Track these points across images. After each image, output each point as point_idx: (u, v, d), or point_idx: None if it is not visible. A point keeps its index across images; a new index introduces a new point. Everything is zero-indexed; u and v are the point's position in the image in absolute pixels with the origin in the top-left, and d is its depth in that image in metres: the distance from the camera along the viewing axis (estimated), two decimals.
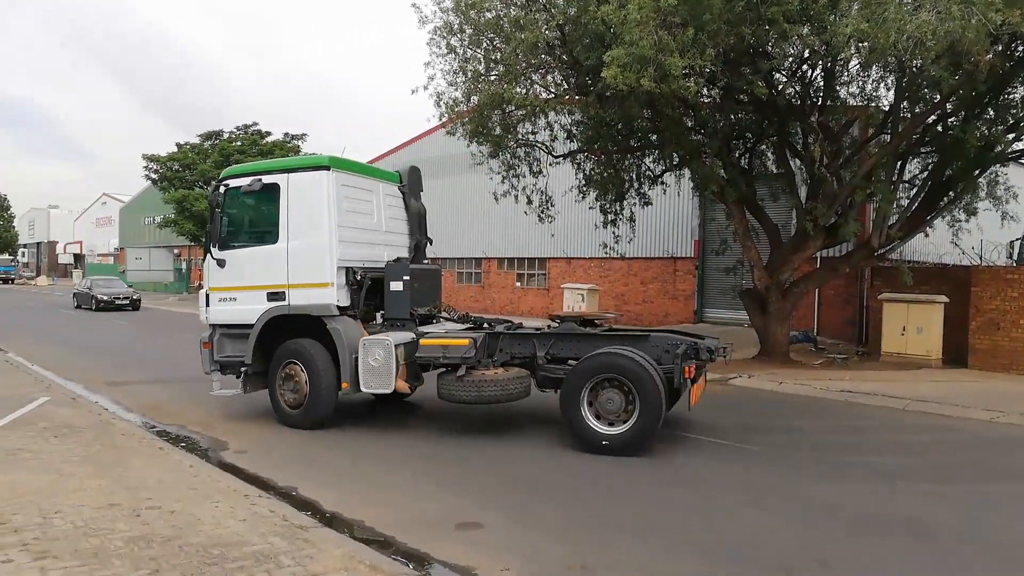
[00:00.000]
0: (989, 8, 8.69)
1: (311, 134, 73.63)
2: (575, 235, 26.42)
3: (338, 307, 9.14)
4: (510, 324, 9.84)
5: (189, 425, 9.59)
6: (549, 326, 9.79)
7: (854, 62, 12.74)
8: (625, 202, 17.64)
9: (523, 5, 13.55)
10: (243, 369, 9.51)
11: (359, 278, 9.38)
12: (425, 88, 14.59)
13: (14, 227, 79.30)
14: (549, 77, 14.86)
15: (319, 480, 7.12)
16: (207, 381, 10.19)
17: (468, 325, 10.04)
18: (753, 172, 16.03)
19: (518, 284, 30.55)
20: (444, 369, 9.06)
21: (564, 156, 16.90)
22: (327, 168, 9.22)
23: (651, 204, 18.49)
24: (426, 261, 11.45)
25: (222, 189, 9.81)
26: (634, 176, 17.38)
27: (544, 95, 14.60)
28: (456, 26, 14.21)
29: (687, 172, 16.67)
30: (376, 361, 8.73)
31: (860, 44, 10.05)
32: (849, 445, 8.89)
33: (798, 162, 15.17)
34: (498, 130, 15.38)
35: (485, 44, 14.18)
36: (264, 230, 9.68)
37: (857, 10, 9.67)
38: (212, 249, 9.76)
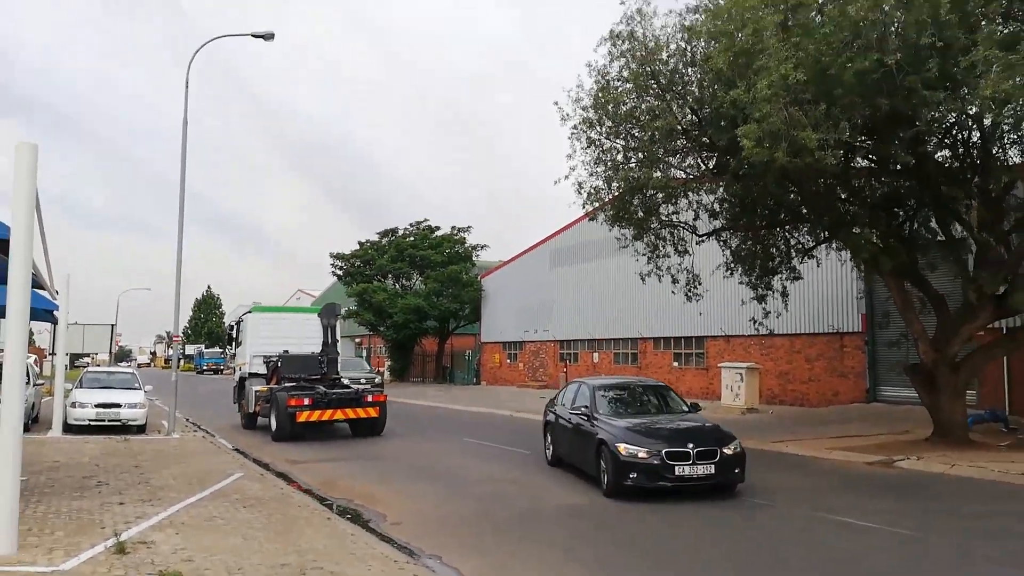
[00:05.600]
0: None
1: (475, 226, 77.90)
2: (733, 313, 25.92)
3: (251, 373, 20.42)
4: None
5: (355, 499, 10.59)
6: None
7: (1008, 122, 12.15)
8: (776, 277, 17.36)
9: (657, 95, 14.21)
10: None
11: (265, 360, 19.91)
12: (566, 178, 15.50)
13: (224, 323, 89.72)
14: (688, 160, 15.29)
15: (462, 552, 7.69)
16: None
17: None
18: (914, 240, 15.30)
19: (675, 363, 30.22)
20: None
21: (708, 235, 17.05)
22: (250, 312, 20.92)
23: (801, 278, 18.04)
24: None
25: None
26: (783, 250, 17.13)
27: (680, 179, 15.02)
28: (595, 120, 15.12)
29: (841, 243, 16.21)
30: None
31: (1006, 105, 9.69)
32: (1014, 530, 8.19)
33: (960, 228, 14.35)
34: (640, 213, 15.92)
35: (623, 135, 14.94)
36: None
37: (997, 72, 9.40)
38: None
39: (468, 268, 44.81)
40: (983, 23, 10.18)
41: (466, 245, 46.09)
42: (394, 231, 47.48)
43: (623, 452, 9.74)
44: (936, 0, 9.86)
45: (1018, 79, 9.02)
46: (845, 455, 13.74)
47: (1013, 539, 7.91)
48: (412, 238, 46.26)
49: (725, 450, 9.89)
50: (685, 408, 11.74)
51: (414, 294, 43.92)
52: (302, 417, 16.88)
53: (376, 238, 47.80)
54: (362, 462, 14.14)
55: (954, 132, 13.16)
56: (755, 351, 26.21)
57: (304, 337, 19.91)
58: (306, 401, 16.97)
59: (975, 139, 13.31)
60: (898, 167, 12.91)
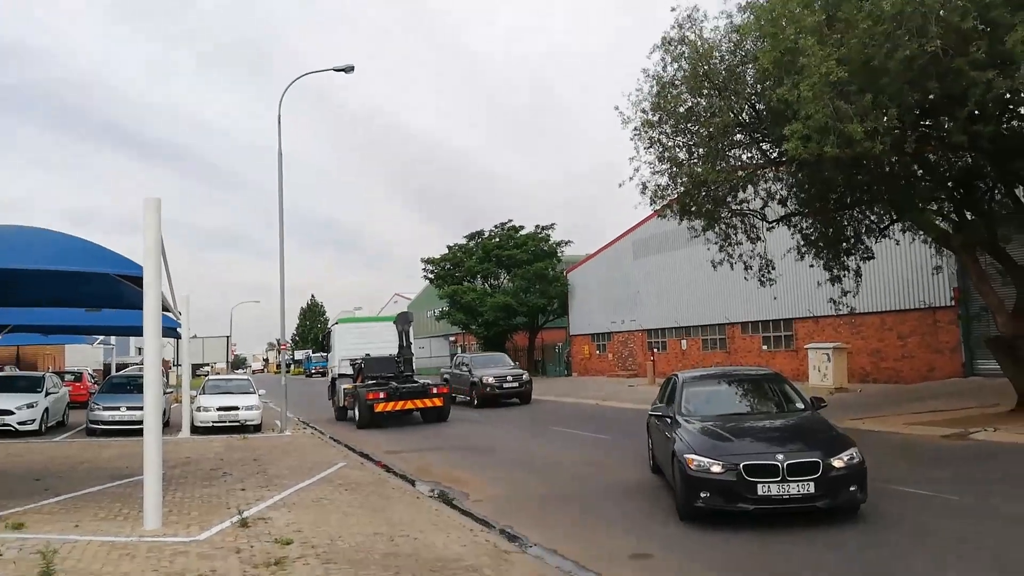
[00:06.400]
0: None
1: (558, 223, 78.57)
2: (821, 293, 25.73)
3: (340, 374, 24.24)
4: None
5: (443, 482, 11.73)
6: None
7: None
8: (851, 257, 17.40)
9: (712, 94, 14.66)
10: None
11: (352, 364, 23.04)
12: (631, 179, 16.13)
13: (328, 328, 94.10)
14: (746, 155, 15.64)
15: (532, 524, 8.63)
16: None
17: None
18: (991, 214, 15.10)
19: (764, 347, 30.13)
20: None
21: (778, 221, 17.29)
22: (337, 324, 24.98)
23: (873, 258, 18.00)
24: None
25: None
26: (856, 230, 17.15)
27: (741, 172, 15.38)
28: (655, 121, 15.68)
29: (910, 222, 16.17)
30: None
31: None
32: None
33: None
34: (708, 205, 16.35)
35: (683, 132, 15.45)
36: None
37: None
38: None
39: (554, 264, 45.70)
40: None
41: (550, 242, 46.96)
42: (480, 233, 48.89)
43: (692, 466, 7.83)
44: None
45: None
46: (923, 429, 13.84)
47: None
48: (497, 239, 47.53)
49: (834, 462, 7.55)
50: (800, 405, 9.29)
51: (502, 292, 45.19)
52: (379, 408, 20.18)
53: (464, 241, 49.37)
54: (453, 451, 15.34)
55: (1011, 108, 13.01)
56: (844, 331, 25.92)
57: (383, 342, 23.40)
58: (381, 395, 20.29)
59: None
60: (962, 143, 12.87)
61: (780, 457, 7.54)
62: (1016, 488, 9.03)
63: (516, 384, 25.70)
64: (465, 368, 27.38)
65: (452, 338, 60.12)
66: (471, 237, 49.10)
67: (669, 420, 9.26)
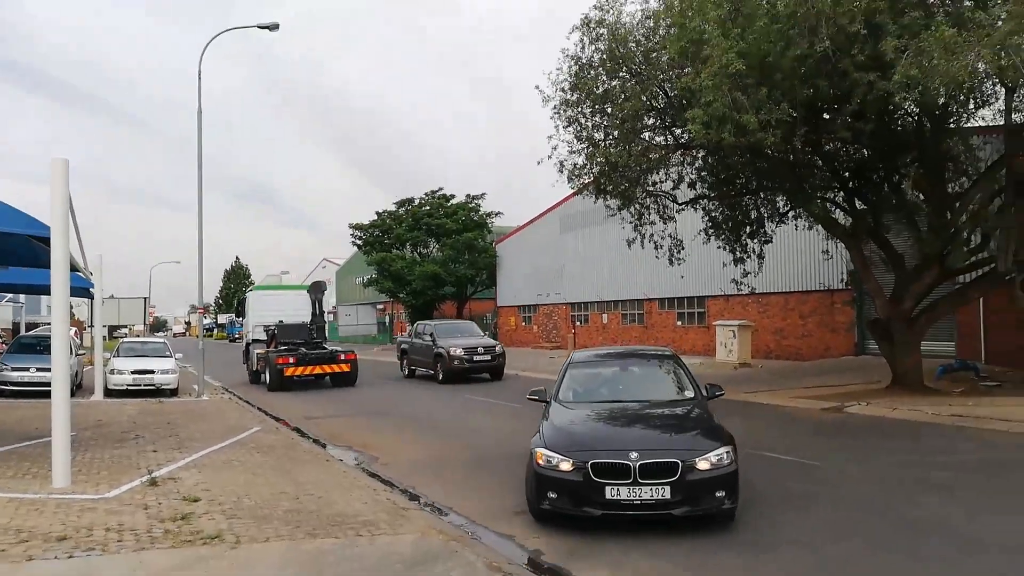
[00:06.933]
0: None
1: (489, 193, 78.55)
2: (728, 273, 27.06)
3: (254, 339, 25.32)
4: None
5: (355, 446, 12.20)
6: None
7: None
8: (753, 240, 18.49)
9: (627, 79, 15.30)
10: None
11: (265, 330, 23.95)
12: (549, 158, 16.69)
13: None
14: (660, 138, 16.40)
15: (433, 485, 9.20)
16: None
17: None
18: (875, 205, 16.31)
19: (679, 323, 31.48)
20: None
21: (687, 203, 18.19)
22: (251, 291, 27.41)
23: (771, 242, 19.14)
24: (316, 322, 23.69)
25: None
26: (759, 215, 18.21)
27: (652, 155, 16.13)
28: (575, 100, 16.24)
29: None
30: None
31: (915, 88, 10.70)
32: (909, 460, 9.60)
33: (915, 194, 15.37)
34: (624, 185, 17.07)
35: (599, 113, 16.06)
36: None
37: (907, 58, 10.42)
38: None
39: (483, 235, 46.16)
40: (906, 11, 11.13)
41: (480, 212, 47.34)
42: (410, 200, 48.83)
43: (540, 462, 6.95)
44: None
45: (926, 63, 10.02)
46: (806, 403, 15.05)
47: (896, 465, 9.24)
48: (428, 207, 47.61)
49: (699, 463, 6.62)
50: (690, 393, 8.25)
51: (431, 261, 45.45)
52: (288, 372, 21.47)
53: (393, 208, 49.22)
54: (369, 417, 15.79)
55: (891, 108, 14.10)
56: (752, 309, 27.37)
57: (296, 309, 24.64)
58: (291, 359, 21.61)
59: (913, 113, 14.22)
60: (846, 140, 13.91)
61: (633, 456, 6.57)
62: (868, 454, 10.11)
63: (488, 357, 22.93)
64: (428, 338, 24.02)
65: (381, 306, 60.06)
66: (401, 204, 49.00)
67: (545, 405, 8.38)
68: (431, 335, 23.99)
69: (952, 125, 14.29)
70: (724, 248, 18.96)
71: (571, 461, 6.76)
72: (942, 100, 11.98)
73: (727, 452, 6.78)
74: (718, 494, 6.62)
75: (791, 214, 17.85)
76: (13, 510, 7.21)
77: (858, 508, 7.40)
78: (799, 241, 24.61)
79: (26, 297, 47.07)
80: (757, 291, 22.26)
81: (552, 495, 6.85)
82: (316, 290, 23.87)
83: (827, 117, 13.14)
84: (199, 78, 20.34)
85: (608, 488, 6.55)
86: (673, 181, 17.88)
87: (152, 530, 6.66)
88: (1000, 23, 9.46)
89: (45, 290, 16.55)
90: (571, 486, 6.72)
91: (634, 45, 15.19)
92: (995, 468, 9.17)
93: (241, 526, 6.82)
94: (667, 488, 6.50)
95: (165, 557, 5.96)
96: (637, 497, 6.52)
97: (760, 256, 18.95)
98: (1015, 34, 9.24)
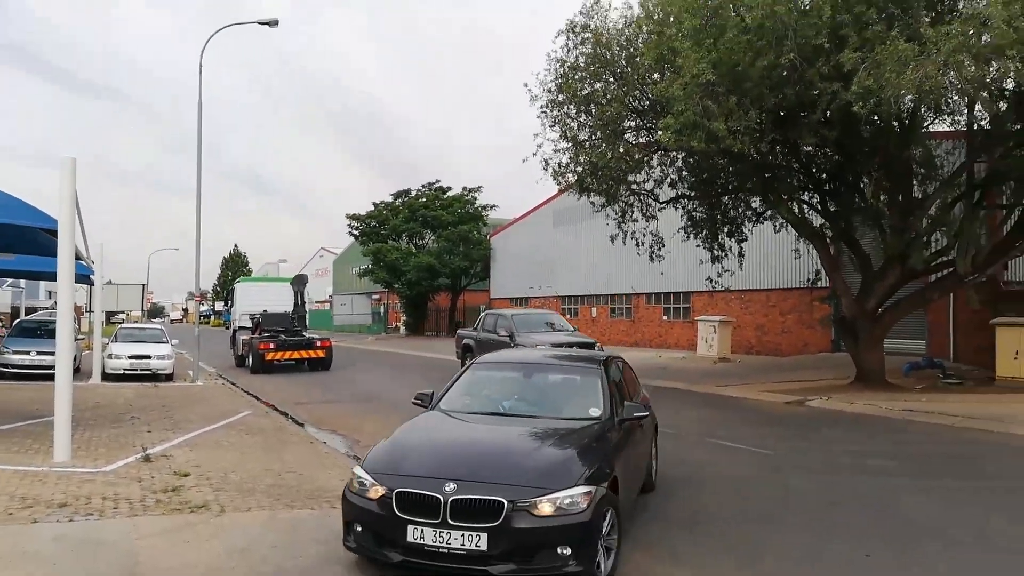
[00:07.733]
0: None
1: (486, 186, 78.72)
2: (711, 270, 27.74)
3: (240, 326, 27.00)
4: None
5: (340, 430, 12.88)
6: None
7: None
8: (731, 239, 19.15)
9: (609, 80, 15.92)
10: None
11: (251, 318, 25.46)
12: (534, 155, 17.32)
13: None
14: (642, 139, 17.03)
15: None
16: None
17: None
18: (846, 208, 16.95)
19: (665, 318, 32.17)
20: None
21: (668, 202, 18.84)
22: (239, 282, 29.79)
23: (746, 240, 19.78)
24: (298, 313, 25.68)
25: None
26: (738, 215, 18.87)
27: (637, 155, 16.76)
28: (560, 100, 16.85)
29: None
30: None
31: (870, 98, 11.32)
32: (852, 449, 10.33)
33: (883, 197, 16.02)
34: (607, 183, 17.71)
35: (583, 114, 16.69)
36: None
37: (864, 70, 11.04)
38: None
39: (479, 227, 46.80)
40: (869, 24, 11.74)
41: (476, 204, 47.95)
42: (407, 192, 49.46)
43: (354, 486, 5.50)
44: (822, 7, 11.48)
45: (883, 75, 10.65)
46: (772, 396, 15.75)
47: (839, 453, 9.97)
48: (424, 199, 48.22)
49: (538, 505, 4.92)
50: (596, 412, 6.46)
51: (426, 253, 46.10)
52: (269, 356, 23.38)
53: (390, 199, 49.83)
54: (356, 403, 16.45)
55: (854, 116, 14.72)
56: (736, 305, 28.06)
57: (280, 300, 26.30)
58: (271, 345, 23.60)
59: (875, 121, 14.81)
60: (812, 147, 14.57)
61: (449, 488, 5.00)
62: (818, 444, 10.81)
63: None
64: (503, 333, 19.44)
65: (376, 296, 60.72)
66: (398, 195, 49.63)
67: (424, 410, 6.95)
68: (507, 329, 19.50)
69: (924, 131, 14.94)
70: (702, 246, 19.60)
71: (382, 488, 5.24)
72: (904, 109, 12.58)
73: (583, 495, 4.99)
74: (561, 551, 4.86)
75: (768, 214, 18.49)
76: (18, 480, 7.89)
77: (791, 491, 8.08)
78: (780, 239, 25.21)
79: (26, 282, 47.71)
80: (732, 289, 22.93)
81: (358, 528, 5.37)
82: (298, 283, 26.09)
83: (795, 124, 13.74)
84: (200, 72, 20.94)
85: (411, 528, 5.01)
86: (655, 181, 18.51)
87: (145, 500, 7.34)
88: (945, 41, 10.06)
89: (46, 276, 17.14)
90: (374, 520, 5.23)
91: (617, 49, 15.80)
92: (929, 458, 9.87)
93: (226, 498, 7.50)
94: (483, 536, 4.85)
95: (156, 522, 6.63)
96: (444, 544, 4.91)
97: (740, 255, 19.60)
98: (958, 52, 9.86)
